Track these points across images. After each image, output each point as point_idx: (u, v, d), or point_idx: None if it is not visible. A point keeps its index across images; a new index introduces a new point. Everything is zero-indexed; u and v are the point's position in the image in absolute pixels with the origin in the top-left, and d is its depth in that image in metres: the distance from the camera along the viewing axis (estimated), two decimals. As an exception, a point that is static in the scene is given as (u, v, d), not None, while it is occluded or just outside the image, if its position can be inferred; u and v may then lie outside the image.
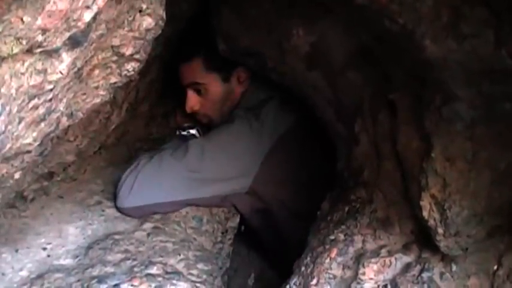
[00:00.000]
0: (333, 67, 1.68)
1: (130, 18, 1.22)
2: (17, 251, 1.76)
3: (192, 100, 2.26)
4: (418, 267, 1.40)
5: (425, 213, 1.32)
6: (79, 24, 0.94)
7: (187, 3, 1.97)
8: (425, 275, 1.37)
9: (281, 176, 2.11)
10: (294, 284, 1.62)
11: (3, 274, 1.67)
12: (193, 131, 2.26)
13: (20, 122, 0.97)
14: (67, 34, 0.93)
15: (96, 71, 1.25)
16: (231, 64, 2.17)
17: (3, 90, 0.87)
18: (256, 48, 1.90)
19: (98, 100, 1.31)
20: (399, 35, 1.24)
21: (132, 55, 1.30)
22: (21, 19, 0.81)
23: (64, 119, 1.20)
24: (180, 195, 2.02)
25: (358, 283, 1.45)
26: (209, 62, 2.19)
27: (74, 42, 0.96)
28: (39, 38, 0.87)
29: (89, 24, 0.96)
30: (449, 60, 1.16)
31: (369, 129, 1.63)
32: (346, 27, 1.54)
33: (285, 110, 2.15)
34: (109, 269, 1.72)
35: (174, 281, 1.69)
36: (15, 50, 0.85)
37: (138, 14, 1.22)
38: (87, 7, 0.93)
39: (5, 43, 0.82)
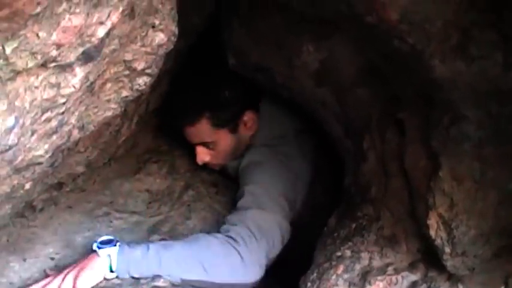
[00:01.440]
0: (341, 84, 1.69)
1: (143, 34, 1.23)
2: (25, 260, 1.77)
3: (203, 154, 2.24)
4: (425, 286, 1.40)
5: (432, 232, 1.32)
6: (93, 39, 0.96)
7: (198, 17, 1.99)
8: (431, 293, 1.37)
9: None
10: (300, 299, 1.63)
11: (11, 283, 1.68)
12: None
13: (32, 135, 0.99)
14: (81, 49, 0.95)
15: (108, 85, 1.27)
16: (238, 111, 2.16)
17: (17, 103, 0.89)
18: (266, 64, 1.91)
19: (109, 113, 1.33)
20: (408, 55, 1.26)
21: (143, 70, 1.32)
22: (37, 34, 0.83)
23: (75, 132, 1.22)
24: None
25: (364, 300, 1.45)
26: (216, 120, 2.14)
27: (87, 57, 0.98)
28: (54, 52, 0.89)
29: (102, 40, 0.98)
30: (458, 81, 1.18)
31: (377, 147, 1.64)
32: (355, 45, 1.55)
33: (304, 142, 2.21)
34: (115, 281, 1.71)
35: (180, 294, 1.70)
36: (30, 65, 0.86)
37: (150, 30, 1.24)
38: (101, 23, 0.94)
39: (21, 58, 0.84)
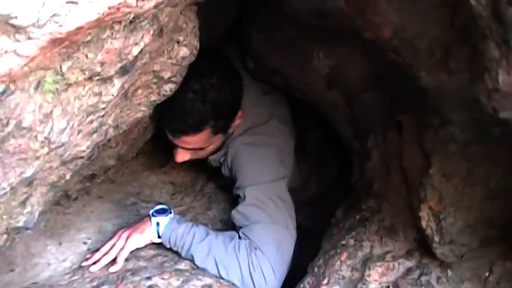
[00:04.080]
0: (350, 88, 1.89)
1: (169, 49, 1.50)
2: (60, 244, 2.01)
3: (184, 154, 2.22)
4: (418, 272, 1.61)
5: (423, 223, 1.52)
6: (129, 57, 1.21)
7: (221, 27, 2.21)
8: (423, 278, 1.58)
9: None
10: (307, 283, 1.85)
11: (48, 264, 1.93)
12: None
13: (78, 133, 1.25)
14: (119, 65, 1.20)
15: (139, 91, 1.53)
16: (235, 114, 2.18)
17: (68, 109, 1.14)
18: (282, 69, 2.11)
19: (139, 115, 1.59)
20: (402, 66, 1.45)
21: (169, 78, 1.58)
22: (86, 55, 1.09)
23: (111, 130, 1.47)
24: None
25: (364, 284, 1.67)
26: (217, 128, 2.13)
27: (124, 71, 1.23)
28: (98, 69, 1.15)
29: (136, 57, 1.23)
30: (443, 90, 1.36)
31: (380, 146, 1.84)
32: (361, 53, 1.75)
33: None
34: (142, 263, 1.95)
35: (200, 276, 1.92)
36: (80, 79, 1.12)
37: (176, 45, 1.50)
38: (136, 44, 1.20)
39: (73, 74, 1.10)
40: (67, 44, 0.98)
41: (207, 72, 2.02)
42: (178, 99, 1.93)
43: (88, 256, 1.98)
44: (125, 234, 1.99)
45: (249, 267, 1.95)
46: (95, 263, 1.93)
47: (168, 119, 2.09)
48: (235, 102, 2.15)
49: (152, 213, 2.02)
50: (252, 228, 2.03)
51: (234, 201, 2.21)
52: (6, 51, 0.85)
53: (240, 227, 2.08)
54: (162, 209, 2.05)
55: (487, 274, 1.49)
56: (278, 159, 2.20)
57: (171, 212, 2.04)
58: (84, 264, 1.93)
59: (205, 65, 1.99)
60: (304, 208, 2.41)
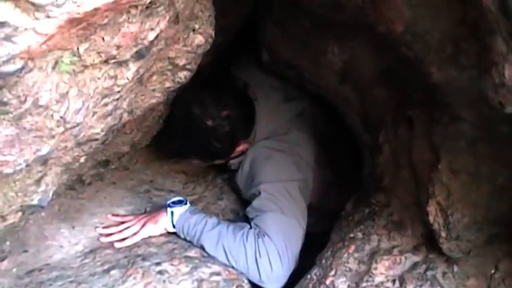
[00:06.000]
0: (362, 83, 1.91)
1: (185, 36, 1.53)
2: (73, 227, 2.06)
3: (196, 164, 2.46)
4: (424, 266, 1.63)
5: (431, 218, 1.54)
6: (144, 41, 1.24)
7: (235, 17, 2.22)
8: (429, 273, 1.60)
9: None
10: (314, 274, 1.88)
11: (61, 246, 1.97)
12: None
13: (93, 115, 1.28)
14: (135, 49, 1.24)
15: (154, 77, 1.56)
16: (228, 151, 2.27)
17: (84, 90, 1.18)
18: (295, 61, 2.14)
19: (154, 101, 1.62)
20: (414, 61, 1.47)
21: (184, 65, 1.62)
22: (103, 38, 1.12)
23: (125, 115, 1.50)
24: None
25: (370, 276, 1.69)
26: (206, 161, 2.38)
27: (139, 55, 1.26)
28: (114, 52, 1.18)
29: (152, 42, 1.27)
30: (453, 86, 1.38)
31: (391, 141, 1.86)
32: (374, 48, 1.77)
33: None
34: (152, 250, 1.99)
35: (209, 264, 1.96)
36: (96, 61, 1.16)
37: (191, 33, 1.53)
38: (152, 29, 1.23)
39: (89, 56, 1.13)
40: (84, 26, 1.01)
41: (200, 114, 2.13)
42: (168, 126, 2.19)
43: (104, 225, 2.10)
44: (142, 221, 2.07)
45: (255, 254, 1.98)
46: (107, 236, 2.05)
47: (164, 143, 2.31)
48: (224, 146, 2.23)
49: (169, 204, 2.09)
50: (263, 217, 2.07)
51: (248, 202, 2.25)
52: (25, 29, 0.89)
53: (253, 219, 2.11)
54: (179, 200, 2.13)
55: (492, 271, 1.51)
56: (294, 163, 2.24)
57: (186, 204, 2.11)
58: (98, 230, 2.07)
59: (202, 104, 2.13)
60: (325, 218, 2.44)
